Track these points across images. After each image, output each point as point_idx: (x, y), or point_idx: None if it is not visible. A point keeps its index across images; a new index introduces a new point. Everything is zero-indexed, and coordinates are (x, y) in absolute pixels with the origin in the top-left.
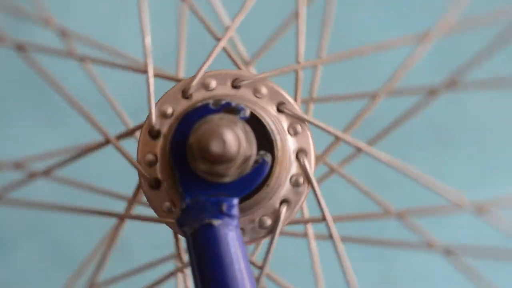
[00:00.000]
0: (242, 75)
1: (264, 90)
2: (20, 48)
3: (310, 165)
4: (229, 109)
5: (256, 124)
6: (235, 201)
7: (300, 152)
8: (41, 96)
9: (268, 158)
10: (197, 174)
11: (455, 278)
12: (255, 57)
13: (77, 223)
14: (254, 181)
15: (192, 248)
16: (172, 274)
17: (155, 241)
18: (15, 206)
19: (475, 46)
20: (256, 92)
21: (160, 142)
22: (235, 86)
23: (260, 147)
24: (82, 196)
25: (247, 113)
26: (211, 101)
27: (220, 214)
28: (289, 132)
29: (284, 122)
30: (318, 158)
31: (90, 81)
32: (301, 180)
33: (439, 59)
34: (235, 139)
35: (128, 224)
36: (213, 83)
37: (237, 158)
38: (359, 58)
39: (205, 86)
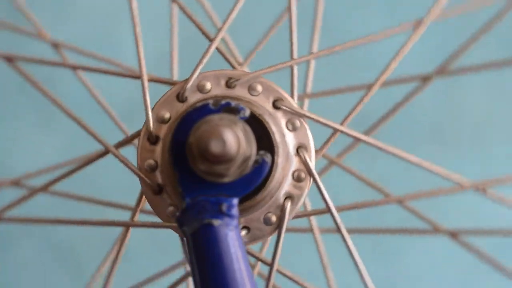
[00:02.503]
0: (236, 74)
1: (259, 87)
2: (10, 59)
3: (311, 159)
4: (229, 109)
5: (256, 124)
6: (235, 201)
7: (300, 147)
8: (40, 97)
9: (268, 158)
10: (197, 174)
11: (454, 279)
12: (249, 55)
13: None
14: (254, 181)
15: (192, 248)
16: (182, 279)
17: (160, 246)
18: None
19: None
20: (251, 90)
21: (159, 147)
22: (229, 85)
23: (260, 147)
24: (83, 204)
25: (247, 113)
26: (211, 101)
27: (220, 214)
28: (287, 128)
29: (282, 119)
30: (318, 152)
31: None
32: (303, 175)
33: (438, 60)
34: (235, 139)
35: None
36: (208, 85)
37: (236, 158)
38: (354, 54)
39: (200, 88)
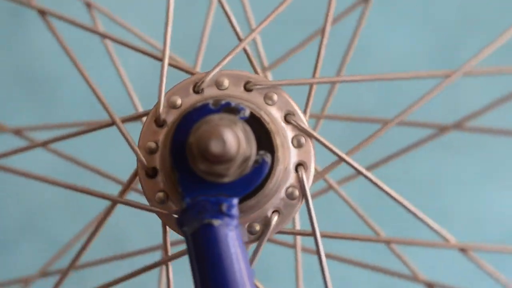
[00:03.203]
0: (256, 79)
1: (275, 97)
2: (43, 13)
3: (308, 179)
4: (229, 109)
5: (256, 125)
6: (235, 201)
7: (300, 165)
8: (37, 92)
9: (268, 158)
10: (197, 174)
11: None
12: (274, 64)
13: (77, 223)
14: (254, 181)
15: (192, 248)
16: (156, 265)
17: (152, 231)
18: (10, 173)
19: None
20: (267, 98)
21: (164, 131)
22: (247, 89)
23: (260, 147)
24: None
25: (247, 113)
26: (211, 101)
27: (220, 214)
28: (292, 144)
29: (289, 132)
30: (317, 175)
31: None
32: (296, 193)
33: (439, 63)
34: (234, 139)
35: (125, 215)
36: (226, 82)
37: (236, 158)
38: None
39: (217, 84)
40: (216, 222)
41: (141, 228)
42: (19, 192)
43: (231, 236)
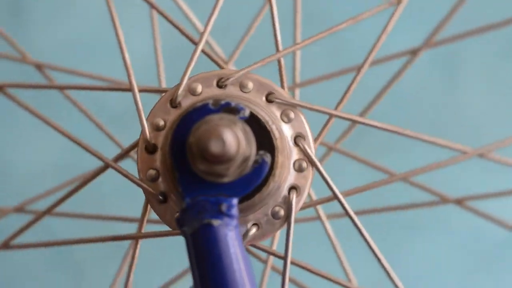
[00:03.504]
0: (225, 74)
1: (250, 84)
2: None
3: (310, 148)
4: (229, 109)
5: (254, 124)
6: (235, 201)
7: (298, 137)
8: (39, 94)
9: (268, 158)
10: (196, 174)
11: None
12: (234, 53)
13: (77, 223)
14: (254, 181)
15: (192, 248)
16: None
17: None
18: (27, 249)
19: (477, 52)
20: (242, 87)
21: (158, 156)
22: (220, 85)
23: (259, 147)
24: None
25: (247, 113)
26: (210, 101)
27: (220, 214)
28: (283, 120)
29: (277, 111)
30: (315, 140)
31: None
32: (304, 164)
33: (439, 64)
34: (234, 139)
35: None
36: (199, 88)
37: (236, 158)
38: (340, 37)
39: (191, 92)
40: (216, 222)
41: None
42: (20, 192)
43: (231, 236)
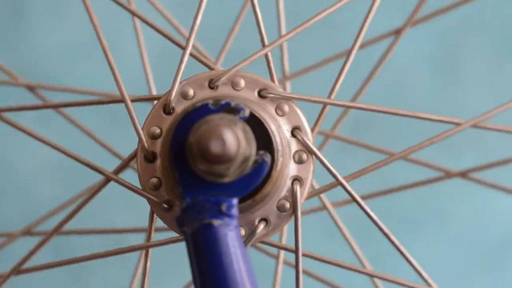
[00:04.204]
0: (215, 74)
1: (242, 82)
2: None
3: (308, 138)
4: (229, 109)
5: (254, 123)
6: (235, 201)
7: (295, 130)
8: (40, 93)
9: (268, 158)
10: (197, 174)
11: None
12: (221, 52)
13: (77, 223)
14: (254, 181)
15: (192, 248)
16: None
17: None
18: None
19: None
20: (234, 86)
21: (157, 163)
22: (212, 87)
23: (259, 146)
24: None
25: (247, 113)
26: (210, 101)
27: (220, 214)
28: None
29: (270, 106)
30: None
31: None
32: (304, 155)
33: (438, 61)
34: (234, 139)
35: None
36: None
37: (236, 158)
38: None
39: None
40: (216, 222)
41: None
42: (21, 192)
43: (231, 236)
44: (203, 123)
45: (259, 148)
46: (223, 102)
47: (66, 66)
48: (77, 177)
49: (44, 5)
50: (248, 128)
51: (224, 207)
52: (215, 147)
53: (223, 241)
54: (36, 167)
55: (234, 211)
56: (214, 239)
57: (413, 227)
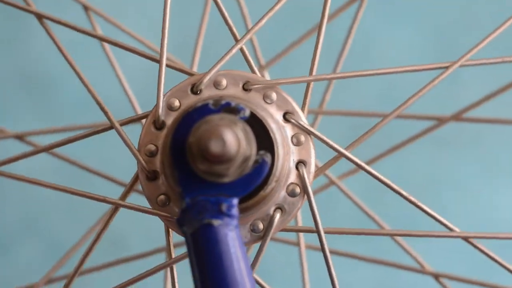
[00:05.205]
0: (254, 79)
1: (274, 96)
2: (40, 17)
3: (309, 177)
4: (229, 109)
5: (256, 124)
6: (235, 201)
7: (300, 163)
8: (38, 94)
9: (268, 158)
10: (196, 174)
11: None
12: (270, 62)
13: (78, 223)
14: (254, 181)
15: (192, 248)
16: (160, 268)
17: (153, 235)
18: (11, 179)
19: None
20: (266, 97)
21: (163, 133)
22: (245, 88)
23: (259, 146)
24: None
25: (247, 113)
26: (210, 101)
27: (220, 214)
28: (292, 142)
29: (289, 131)
30: (318, 170)
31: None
32: (297, 190)
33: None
34: (234, 139)
35: (125, 218)
36: (224, 82)
37: (236, 158)
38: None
39: (215, 84)
40: (216, 222)
41: (139, 230)
42: (21, 193)
43: (231, 236)
44: (203, 123)
45: (259, 147)
46: (223, 102)
47: (66, 66)
48: (79, 180)
49: (44, 5)
50: (248, 128)
51: (224, 207)
52: (215, 147)
53: (223, 241)
54: (35, 166)
55: (234, 211)
56: (214, 239)
57: (413, 222)
